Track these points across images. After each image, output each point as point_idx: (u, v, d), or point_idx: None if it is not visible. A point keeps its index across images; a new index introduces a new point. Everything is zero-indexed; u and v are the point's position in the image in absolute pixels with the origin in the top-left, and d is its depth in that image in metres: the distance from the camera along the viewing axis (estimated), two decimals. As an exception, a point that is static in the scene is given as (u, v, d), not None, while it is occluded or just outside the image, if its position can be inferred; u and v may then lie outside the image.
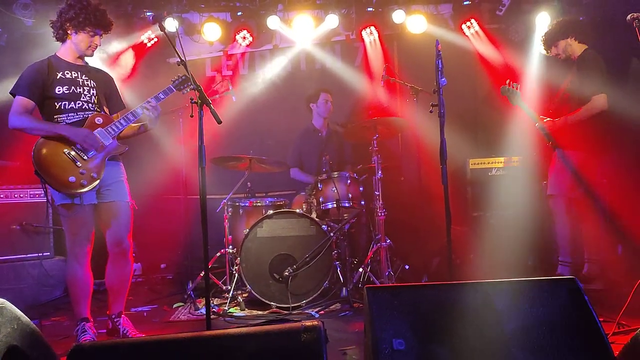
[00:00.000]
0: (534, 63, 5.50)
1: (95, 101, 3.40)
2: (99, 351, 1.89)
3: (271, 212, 4.23)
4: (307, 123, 5.46)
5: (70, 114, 3.28)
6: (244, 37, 5.76)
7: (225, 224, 4.61)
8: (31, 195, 4.84)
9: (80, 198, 3.21)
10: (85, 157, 3.22)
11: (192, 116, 2.92)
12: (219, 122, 2.83)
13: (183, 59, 2.90)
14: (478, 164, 5.34)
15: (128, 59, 5.75)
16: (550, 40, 4.29)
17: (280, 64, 6.12)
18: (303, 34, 5.83)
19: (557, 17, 4.33)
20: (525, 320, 2.08)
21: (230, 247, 4.55)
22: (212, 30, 5.65)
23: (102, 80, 3.53)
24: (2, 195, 4.73)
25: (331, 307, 4.09)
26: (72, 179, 3.14)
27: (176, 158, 5.18)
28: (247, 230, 4.19)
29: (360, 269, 4.32)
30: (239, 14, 5.73)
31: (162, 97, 3.45)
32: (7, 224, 4.70)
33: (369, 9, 5.83)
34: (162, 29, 3.07)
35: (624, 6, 4.33)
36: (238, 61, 6.14)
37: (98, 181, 3.26)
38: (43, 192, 3.19)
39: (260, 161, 4.68)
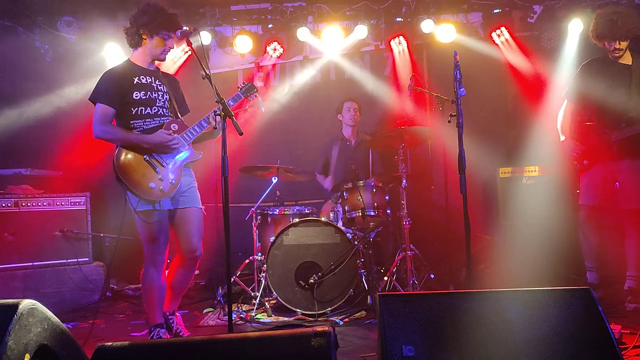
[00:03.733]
0: (566, 71, 5.41)
1: (169, 106, 3.45)
2: (122, 351, 2.00)
3: (297, 220, 4.31)
4: (337, 132, 5.54)
5: (147, 120, 3.33)
6: (275, 49, 5.89)
7: (254, 232, 4.72)
8: (72, 203, 5.08)
9: (159, 204, 3.26)
10: (163, 164, 3.30)
11: (215, 128, 3.02)
12: (240, 133, 2.88)
13: (208, 73, 2.97)
14: (508, 172, 5.29)
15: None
16: (628, 33, 3.81)
17: (310, 74, 6.23)
18: (332, 45, 5.91)
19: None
20: (537, 330, 2.08)
21: (259, 254, 4.65)
22: (243, 43, 5.80)
23: (172, 84, 3.56)
24: (45, 203, 4.97)
25: (356, 315, 4.13)
26: (152, 185, 3.22)
27: (207, 166, 5.33)
28: (274, 238, 4.28)
29: (386, 278, 4.35)
30: (270, 26, 5.86)
31: (232, 103, 3.49)
32: (50, 231, 4.95)
33: (397, 19, 5.86)
34: (190, 44, 3.20)
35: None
36: (269, 72, 6.28)
37: (176, 188, 3.32)
38: (125, 198, 3.24)
39: (287, 170, 4.78)
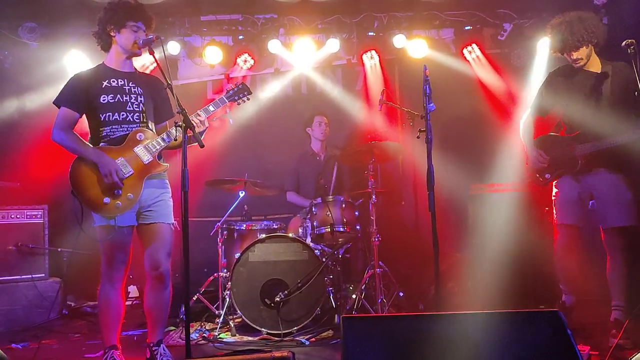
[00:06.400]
0: (535, 88, 5.44)
1: (143, 109, 3.22)
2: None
3: (263, 236, 4.19)
4: (306, 147, 5.45)
5: (114, 126, 3.13)
6: (245, 61, 5.80)
7: (219, 247, 4.57)
8: (28, 217, 4.85)
9: (115, 220, 3.04)
10: (121, 177, 3.05)
11: (175, 139, 2.89)
12: (201, 146, 2.77)
13: (170, 82, 2.87)
14: (478, 189, 5.27)
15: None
16: (579, 42, 3.56)
17: (281, 87, 6.15)
18: (304, 58, 5.86)
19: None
20: (505, 353, 2.00)
21: (224, 270, 4.50)
22: (213, 54, 5.69)
23: (150, 85, 3.34)
24: (-1, 216, 4.74)
25: (323, 335, 4.01)
26: (106, 200, 3.00)
27: (170, 179, 5.19)
28: (239, 254, 4.14)
29: (354, 296, 4.25)
30: (241, 37, 5.77)
31: (213, 109, 3.33)
32: (3, 245, 4.71)
33: (370, 34, 5.85)
34: (152, 52, 3.08)
35: (625, 33, 4.24)
36: (239, 85, 6.17)
37: (135, 203, 3.09)
38: (78, 213, 3.00)
39: (255, 184, 4.66)
